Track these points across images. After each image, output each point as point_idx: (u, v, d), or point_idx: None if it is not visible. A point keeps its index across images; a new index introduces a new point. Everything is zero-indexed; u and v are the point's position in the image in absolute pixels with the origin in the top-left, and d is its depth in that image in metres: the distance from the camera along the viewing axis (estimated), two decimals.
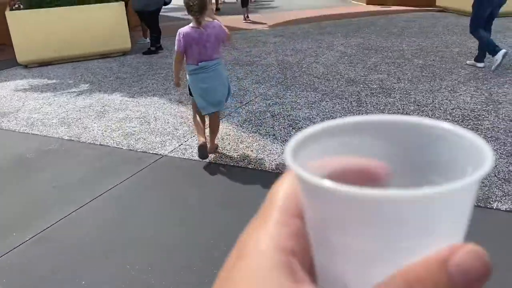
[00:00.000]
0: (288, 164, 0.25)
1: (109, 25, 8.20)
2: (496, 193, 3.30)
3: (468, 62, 6.59)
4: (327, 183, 0.23)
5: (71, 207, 3.39)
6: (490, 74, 6.07)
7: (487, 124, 4.45)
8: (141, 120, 5.11)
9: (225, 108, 4.59)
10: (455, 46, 7.73)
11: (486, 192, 3.31)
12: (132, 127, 4.91)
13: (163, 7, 8.81)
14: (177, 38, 3.60)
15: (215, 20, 3.79)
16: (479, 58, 6.37)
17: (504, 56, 5.85)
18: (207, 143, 3.91)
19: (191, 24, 3.61)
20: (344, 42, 8.59)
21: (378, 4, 13.35)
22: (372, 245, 0.24)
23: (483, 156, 0.24)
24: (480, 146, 0.24)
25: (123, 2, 8.41)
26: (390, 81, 5.99)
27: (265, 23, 11.45)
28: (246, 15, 12.38)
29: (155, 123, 4.99)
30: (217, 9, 15.10)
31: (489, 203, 3.19)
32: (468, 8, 10.47)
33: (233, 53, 8.09)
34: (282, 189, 0.29)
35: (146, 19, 8.43)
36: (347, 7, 13.80)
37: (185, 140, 4.50)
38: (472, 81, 5.83)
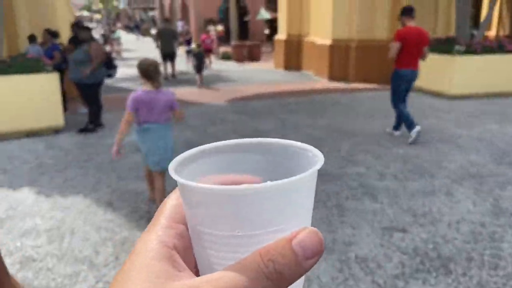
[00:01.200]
0: (171, 174, 0.32)
1: (39, 98, 6.96)
2: None
3: (387, 129, 6.88)
4: (192, 183, 0.30)
5: None
6: (484, 169, 5.19)
7: (508, 249, 3.42)
8: (52, 234, 3.75)
9: None
10: (435, 132, 6.95)
11: None
12: (37, 247, 3.53)
13: (107, 79, 7.71)
14: (129, 99, 3.74)
15: (167, 89, 3.96)
16: (397, 127, 6.69)
17: (418, 133, 6.19)
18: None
19: (144, 88, 3.76)
20: (311, 123, 7.68)
21: (340, 80, 12.85)
22: (232, 233, 0.30)
23: (319, 161, 0.33)
24: (318, 155, 0.34)
25: (57, 73, 7.22)
26: (372, 177, 4.98)
27: (223, 97, 10.53)
28: (200, 81, 12.64)
29: (69, 240, 3.64)
30: (173, 75, 14.83)
31: None
32: (436, 87, 10.06)
33: (187, 133, 6.97)
34: (169, 202, 0.35)
35: (84, 92, 7.24)
36: (308, 82, 13.20)
37: (106, 272, 3.17)
38: (467, 179, 4.90)
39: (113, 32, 25.13)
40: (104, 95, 9.07)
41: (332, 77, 13.10)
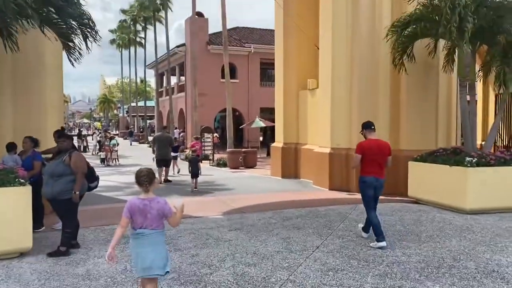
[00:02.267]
0: None
1: (5, 215, 5.76)
2: None
3: (359, 225, 7.17)
4: None
5: None
6: None
7: None
8: None
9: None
10: (467, 259, 5.74)
11: None
12: None
13: (88, 192, 6.61)
14: (125, 205, 3.85)
15: (162, 198, 3.92)
16: (365, 228, 6.82)
17: (381, 247, 6.19)
18: None
19: (140, 195, 3.88)
20: (321, 245, 6.45)
21: (342, 190, 11.86)
22: None
23: None
24: None
25: (30, 186, 6.12)
26: None
27: (218, 209, 9.37)
28: (194, 187, 12.63)
29: None
30: (166, 180, 14.49)
31: None
32: (451, 201, 8.97)
33: (174, 258, 5.70)
34: None
35: (60, 209, 6.07)
36: (308, 192, 12.18)
37: None
38: None
39: (111, 139, 24.57)
40: (88, 206, 7.93)
41: (333, 187, 12.12)
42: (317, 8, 14.44)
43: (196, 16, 30.33)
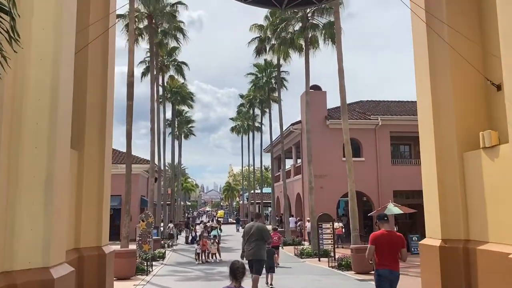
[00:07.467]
0: None
1: None
2: None
3: None
4: None
5: None
6: None
7: None
8: None
9: None
10: None
11: None
12: None
13: None
14: None
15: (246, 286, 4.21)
16: None
17: None
18: None
19: (231, 284, 4.24)
20: None
21: None
22: None
23: None
24: None
25: None
26: None
27: None
28: (270, 283, 10.99)
29: None
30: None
31: None
32: None
33: None
34: None
35: None
36: None
37: None
38: None
39: (213, 229, 20.53)
40: None
41: None
42: (485, 21, 9.11)
43: (312, 90, 26.50)
